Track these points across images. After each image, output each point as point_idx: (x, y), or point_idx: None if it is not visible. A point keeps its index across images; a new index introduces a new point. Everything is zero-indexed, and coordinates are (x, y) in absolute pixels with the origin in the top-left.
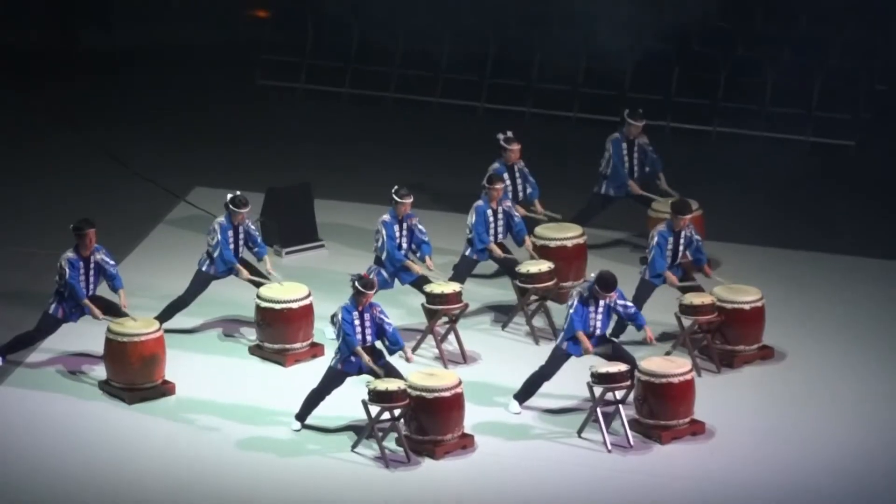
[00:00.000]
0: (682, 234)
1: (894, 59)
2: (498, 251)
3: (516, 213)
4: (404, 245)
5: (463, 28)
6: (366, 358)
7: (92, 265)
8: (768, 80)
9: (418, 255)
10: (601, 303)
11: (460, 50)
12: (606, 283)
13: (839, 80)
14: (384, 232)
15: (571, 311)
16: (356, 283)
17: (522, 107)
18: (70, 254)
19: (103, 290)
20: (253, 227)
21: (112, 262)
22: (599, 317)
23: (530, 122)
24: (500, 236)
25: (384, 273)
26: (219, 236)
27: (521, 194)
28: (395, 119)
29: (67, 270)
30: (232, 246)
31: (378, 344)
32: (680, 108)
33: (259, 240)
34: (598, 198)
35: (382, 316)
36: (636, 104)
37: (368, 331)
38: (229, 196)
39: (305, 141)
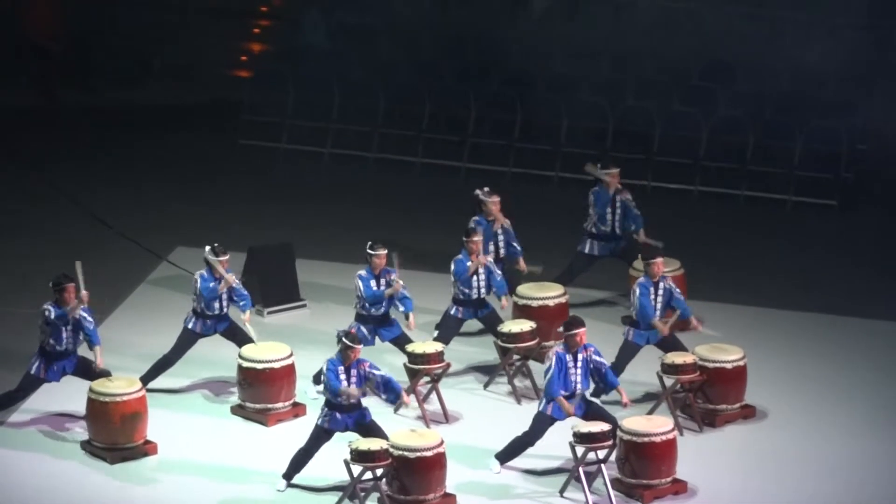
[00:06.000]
0: (661, 285)
1: (875, 118)
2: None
3: (497, 271)
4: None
5: (443, 88)
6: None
7: (71, 321)
8: (750, 139)
9: (401, 310)
10: (580, 357)
11: (441, 110)
12: (570, 322)
13: (820, 140)
14: (361, 285)
15: (549, 374)
16: (343, 339)
17: (505, 167)
18: (51, 303)
19: (83, 351)
20: (236, 280)
21: (90, 319)
22: (579, 371)
23: (512, 181)
24: (482, 291)
25: (364, 329)
26: (199, 285)
27: (502, 251)
28: (377, 179)
29: (52, 310)
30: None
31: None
32: (663, 167)
33: (243, 293)
34: (582, 256)
35: (372, 370)
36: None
37: (354, 385)
38: (207, 248)
39: (287, 200)
